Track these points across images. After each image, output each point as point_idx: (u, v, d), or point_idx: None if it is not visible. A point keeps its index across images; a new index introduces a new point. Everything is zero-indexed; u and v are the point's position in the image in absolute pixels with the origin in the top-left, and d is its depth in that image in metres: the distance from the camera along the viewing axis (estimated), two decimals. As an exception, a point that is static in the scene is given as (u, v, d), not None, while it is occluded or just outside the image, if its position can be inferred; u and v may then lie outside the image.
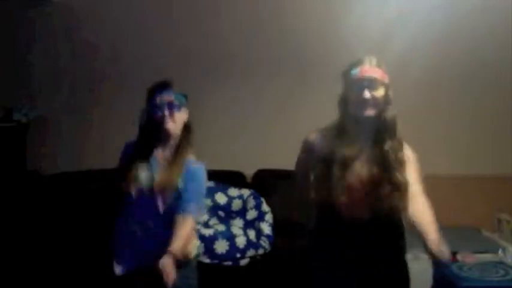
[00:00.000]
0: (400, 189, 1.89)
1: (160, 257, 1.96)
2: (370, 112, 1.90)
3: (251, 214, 3.19)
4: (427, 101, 3.62)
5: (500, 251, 3.14)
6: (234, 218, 3.19)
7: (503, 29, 3.54)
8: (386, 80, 1.96)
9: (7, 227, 2.97)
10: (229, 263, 2.93)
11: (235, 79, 3.53)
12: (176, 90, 2.18)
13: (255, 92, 3.53)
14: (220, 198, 3.21)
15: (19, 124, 3.30)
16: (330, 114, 3.75)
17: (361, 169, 1.90)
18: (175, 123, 2.13)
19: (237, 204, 3.21)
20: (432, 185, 3.63)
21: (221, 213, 3.19)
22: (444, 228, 3.58)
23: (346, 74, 1.98)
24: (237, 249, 2.95)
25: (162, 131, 2.12)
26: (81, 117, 3.52)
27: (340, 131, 1.95)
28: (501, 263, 3.03)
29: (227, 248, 2.94)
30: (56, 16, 3.45)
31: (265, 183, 3.35)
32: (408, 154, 2.03)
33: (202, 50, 3.51)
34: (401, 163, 1.93)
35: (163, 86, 2.16)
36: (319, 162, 1.92)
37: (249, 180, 3.43)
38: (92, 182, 3.19)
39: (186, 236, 2.05)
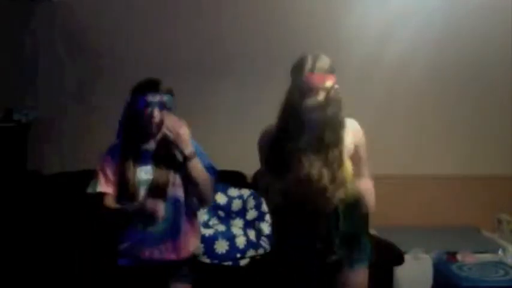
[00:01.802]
0: (341, 185, 1.94)
1: (162, 252, 2.07)
2: (311, 116, 1.97)
3: (251, 214, 3.19)
4: (427, 101, 3.63)
5: (500, 251, 3.15)
6: (234, 218, 3.19)
7: (503, 29, 3.54)
8: (327, 82, 2.04)
9: (7, 227, 2.97)
10: (229, 263, 2.93)
11: (235, 79, 3.53)
12: (164, 86, 2.18)
13: (255, 91, 3.53)
14: (220, 198, 3.21)
15: (19, 124, 3.30)
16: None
17: (302, 165, 1.95)
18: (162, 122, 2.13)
19: (237, 205, 3.21)
20: (432, 185, 3.68)
21: (221, 213, 3.19)
22: (444, 228, 3.62)
23: (291, 73, 2.08)
24: (237, 249, 2.95)
25: (149, 129, 2.13)
26: (81, 118, 3.52)
27: (285, 126, 2.04)
28: (501, 263, 3.04)
29: (227, 248, 2.94)
30: (56, 16, 3.44)
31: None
32: (355, 136, 2.14)
33: (202, 50, 3.51)
34: (341, 158, 1.98)
35: (153, 84, 2.16)
36: (264, 159, 2.06)
37: (249, 180, 3.43)
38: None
39: (201, 169, 2.19)
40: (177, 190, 2.16)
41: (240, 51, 3.52)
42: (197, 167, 2.16)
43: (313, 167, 1.93)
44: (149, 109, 2.11)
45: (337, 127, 2.02)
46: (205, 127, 3.54)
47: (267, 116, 3.55)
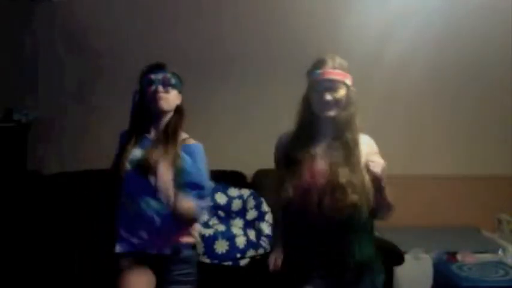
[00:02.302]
0: (355, 190, 1.92)
1: (154, 240, 2.03)
2: (331, 113, 1.96)
3: (251, 214, 3.19)
4: (427, 101, 3.63)
5: (500, 251, 3.15)
6: (234, 218, 3.19)
7: (503, 29, 3.54)
8: (347, 80, 2.00)
9: (7, 227, 2.97)
10: (229, 263, 2.93)
11: (235, 79, 3.53)
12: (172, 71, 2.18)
13: (255, 92, 3.53)
14: (220, 198, 3.21)
15: (19, 124, 3.30)
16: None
17: (319, 167, 1.95)
18: (167, 100, 2.12)
19: (237, 204, 3.21)
20: (432, 185, 3.68)
21: (221, 213, 3.20)
22: (444, 228, 3.62)
23: (309, 75, 2.03)
24: (237, 249, 2.96)
25: (154, 108, 2.11)
26: (81, 118, 3.52)
27: (301, 130, 2.04)
28: (501, 263, 3.04)
29: (227, 248, 2.94)
30: (56, 16, 3.45)
31: (265, 183, 3.35)
32: (368, 147, 2.08)
33: (202, 50, 3.51)
34: (357, 161, 1.97)
35: (158, 66, 2.18)
36: (281, 163, 2.04)
37: (249, 180, 3.43)
38: (92, 182, 3.18)
39: (187, 207, 2.03)
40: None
41: (240, 51, 3.52)
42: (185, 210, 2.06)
43: (329, 165, 1.93)
44: (153, 86, 2.11)
45: (355, 128, 2.01)
46: (205, 127, 3.54)
47: (267, 116, 3.59)
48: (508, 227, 3.50)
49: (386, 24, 3.50)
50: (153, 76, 2.12)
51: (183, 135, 2.20)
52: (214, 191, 3.24)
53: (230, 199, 3.22)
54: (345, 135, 1.98)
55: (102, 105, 3.48)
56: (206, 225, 3.11)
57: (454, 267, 2.97)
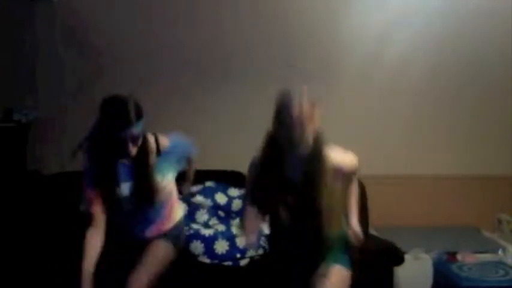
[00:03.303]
0: (321, 213, 1.99)
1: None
2: (298, 147, 1.95)
3: (251, 214, 3.19)
4: (427, 101, 3.63)
5: (500, 251, 3.15)
6: (234, 218, 3.19)
7: (503, 29, 3.54)
8: (313, 109, 1.99)
9: (7, 227, 2.97)
10: (229, 263, 2.93)
11: (235, 79, 3.53)
12: (132, 114, 2.05)
13: (255, 91, 3.53)
14: (220, 198, 3.21)
15: (19, 124, 3.30)
16: (329, 114, 3.75)
17: (288, 193, 2.01)
18: (137, 148, 2.10)
19: (237, 205, 3.21)
20: (432, 185, 3.68)
21: (221, 213, 3.19)
22: (444, 228, 3.62)
23: (276, 107, 2.06)
24: (237, 249, 2.95)
25: (124, 155, 2.11)
26: (81, 118, 3.51)
27: (266, 162, 2.06)
28: (501, 263, 3.04)
29: (227, 248, 2.94)
30: (56, 16, 3.44)
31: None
32: (342, 162, 2.09)
33: (202, 50, 3.51)
34: (324, 187, 1.99)
35: (123, 119, 2.04)
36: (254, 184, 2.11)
37: (249, 180, 3.43)
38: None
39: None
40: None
41: (240, 51, 3.52)
42: None
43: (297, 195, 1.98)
44: (122, 143, 2.04)
45: (323, 162, 1.99)
46: (205, 127, 3.55)
47: (267, 116, 3.57)
48: (508, 227, 3.50)
49: (386, 24, 3.50)
50: (121, 134, 2.03)
51: (150, 137, 2.21)
52: (214, 191, 3.24)
53: (230, 199, 3.22)
54: (314, 171, 1.99)
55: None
56: (206, 225, 3.11)
57: (454, 267, 2.96)
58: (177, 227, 2.38)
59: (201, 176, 3.33)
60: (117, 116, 2.03)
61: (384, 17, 3.49)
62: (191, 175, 2.59)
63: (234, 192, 3.26)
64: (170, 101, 3.52)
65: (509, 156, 3.62)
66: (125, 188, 2.16)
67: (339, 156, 2.07)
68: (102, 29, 3.45)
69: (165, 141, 2.26)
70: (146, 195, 2.16)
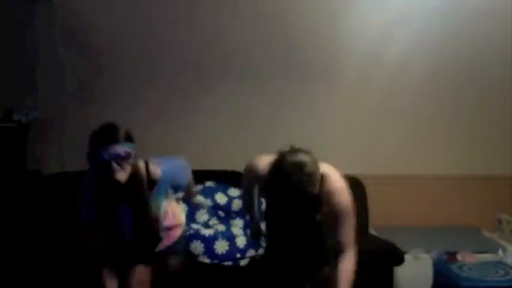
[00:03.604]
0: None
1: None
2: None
3: (251, 214, 3.19)
4: (426, 101, 3.63)
5: (500, 251, 3.15)
6: (234, 218, 3.19)
7: (503, 29, 3.54)
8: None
9: (7, 227, 2.97)
10: (229, 263, 2.93)
11: (235, 79, 3.53)
12: (122, 132, 2.04)
13: (255, 91, 3.53)
14: (220, 198, 3.21)
15: (19, 124, 3.30)
16: (329, 114, 3.75)
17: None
18: (124, 173, 2.05)
19: (237, 204, 3.21)
20: (432, 185, 3.68)
21: (221, 213, 3.20)
22: (444, 228, 3.62)
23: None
24: (237, 249, 2.95)
25: (114, 186, 2.07)
26: (81, 118, 3.51)
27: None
28: (501, 263, 3.04)
29: (227, 248, 2.94)
30: (56, 16, 3.44)
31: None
32: (334, 200, 1.98)
33: (202, 50, 3.51)
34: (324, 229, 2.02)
35: (109, 136, 2.02)
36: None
37: (249, 180, 3.43)
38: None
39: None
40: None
41: (240, 50, 3.52)
42: None
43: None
44: (107, 164, 2.00)
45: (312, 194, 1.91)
46: (205, 127, 3.55)
47: (267, 116, 3.59)
48: (508, 227, 3.50)
49: (386, 24, 3.49)
50: (105, 154, 1.99)
51: (140, 165, 2.16)
52: (214, 191, 3.24)
53: (230, 199, 3.22)
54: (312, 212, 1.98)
55: (102, 105, 3.47)
56: (206, 225, 3.11)
57: (454, 267, 2.96)
58: (176, 243, 2.38)
59: (201, 176, 3.33)
60: (104, 132, 2.03)
61: (384, 17, 3.49)
62: (192, 192, 2.68)
63: (234, 192, 3.26)
64: (170, 101, 3.52)
65: (509, 156, 3.62)
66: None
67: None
68: (102, 29, 3.45)
69: (156, 170, 2.17)
70: (148, 240, 2.20)
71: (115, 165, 1.99)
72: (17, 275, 2.74)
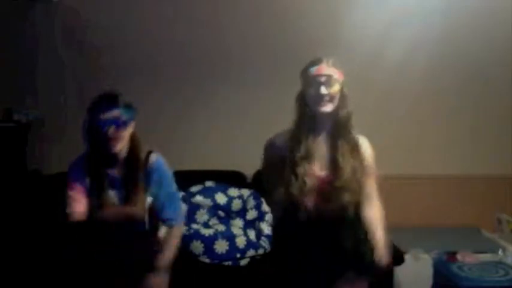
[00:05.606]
0: (350, 188, 1.97)
1: None
2: (326, 108, 1.99)
3: (251, 214, 3.19)
4: (426, 101, 3.63)
5: (500, 251, 3.15)
6: (234, 218, 3.19)
7: (503, 29, 3.54)
8: (341, 78, 2.04)
9: (7, 227, 2.97)
10: (229, 263, 2.93)
11: (235, 79, 3.53)
12: (122, 100, 2.02)
13: (255, 91, 3.53)
14: (220, 198, 3.21)
15: (19, 124, 3.30)
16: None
17: (316, 166, 1.99)
18: (121, 141, 2.01)
19: (237, 204, 3.21)
20: (432, 185, 3.68)
21: (221, 213, 3.20)
22: (444, 228, 3.62)
23: (304, 72, 2.07)
24: (237, 249, 2.95)
25: (108, 151, 2.02)
26: (81, 118, 3.51)
27: (297, 129, 2.04)
28: (501, 263, 3.04)
29: (227, 248, 2.94)
30: (57, 16, 3.44)
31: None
32: (365, 152, 2.10)
33: (202, 50, 3.51)
34: (353, 161, 2.00)
35: (108, 100, 1.99)
36: (280, 162, 2.02)
37: (249, 180, 3.43)
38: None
39: (175, 245, 2.12)
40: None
41: (240, 50, 3.52)
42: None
43: (327, 167, 1.96)
44: (104, 128, 1.96)
45: (352, 128, 2.02)
46: (205, 127, 3.55)
47: (267, 116, 3.58)
48: (508, 227, 3.50)
49: (386, 24, 3.49)
50: (102, 116, 1.95)
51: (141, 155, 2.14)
52: (214, 191, 3.24)
53: (230, 199, 3.22)
54: (345, 134, 2.01)
55: (102, 105, 3.47)
56: (206, 225, 3.11)
57: (454, 267, 2.97)
58: None
59: (201, 176, 3.34)
60: (100, 97, 2.01)
61: (384, 17, 3.49)
62: (171, 245, 2.16)
63: (234, 192, 3.26)
64: (170, 101, 3.52)
65: (509, 156, 3.62)
66: (115, 197, 2.10)
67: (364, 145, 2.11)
68: (102, 29, 3.45)
69: (153, 158, 2.14)
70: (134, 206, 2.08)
71: (112, 130, 1.95)
72: (17, 275, 2.74)
